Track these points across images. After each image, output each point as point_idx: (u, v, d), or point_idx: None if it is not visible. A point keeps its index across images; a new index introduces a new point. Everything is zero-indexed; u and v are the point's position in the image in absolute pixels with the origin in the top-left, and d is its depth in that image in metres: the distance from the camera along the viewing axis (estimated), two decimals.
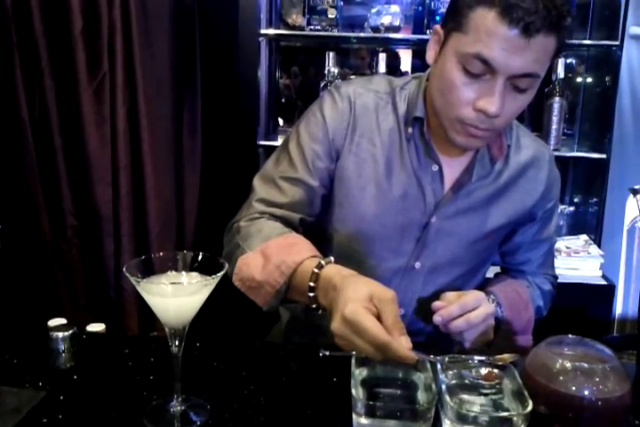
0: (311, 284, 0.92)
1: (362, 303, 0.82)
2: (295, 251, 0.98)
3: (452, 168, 1.13)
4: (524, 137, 1.19)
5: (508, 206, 1.16)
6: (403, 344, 0.81)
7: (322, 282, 0.91)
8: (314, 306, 0.94)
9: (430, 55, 1.04)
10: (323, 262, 0.93)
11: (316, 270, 0.92)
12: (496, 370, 0.85)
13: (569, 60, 2.47)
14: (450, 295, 1.08)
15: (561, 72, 2.22)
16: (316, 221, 1.18)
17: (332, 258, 0.95)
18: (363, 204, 1.12)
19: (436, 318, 1.05)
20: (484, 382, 0.84)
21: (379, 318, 0.82)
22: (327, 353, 1.01)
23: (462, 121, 1.00)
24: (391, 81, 1.17)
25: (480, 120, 0.98)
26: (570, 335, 0.88)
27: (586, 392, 0.78)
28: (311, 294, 0.93)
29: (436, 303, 1.06)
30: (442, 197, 1.13)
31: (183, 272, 0.84)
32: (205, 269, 0.83)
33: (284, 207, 1.11)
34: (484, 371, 0.86)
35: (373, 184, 1.12)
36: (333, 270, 0.92)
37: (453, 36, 0.97)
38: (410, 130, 1.11)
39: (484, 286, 1.23)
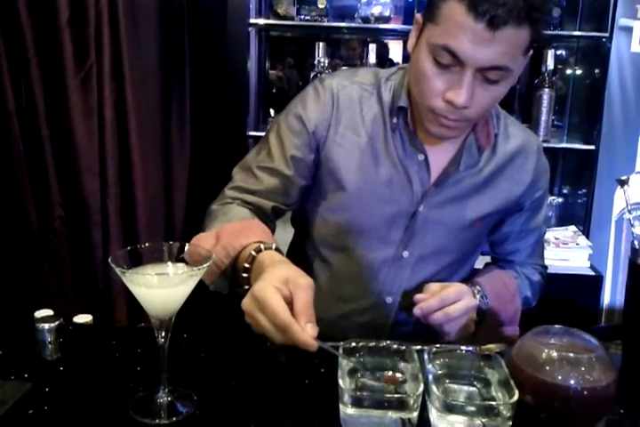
0: (246, 265, 0.95)
1: (274, 283, 0.83)
2: (244, 235, 1.00)
3: (439, 157, 1.13)
4: (512, 126, 1.20)
5: (496, 195, 1.17)
6: (306, 330, 0.81)
7: (255, 265, 0.94)
8: (246, 287, 0.95)
9: (410, 44, 1.05)
10: (262, 247, 0.96)
11: (253, 253, 0.95)
12: (399, 374, 0.84)
13: (559, 52, 2.47)
14: (432, 287, 1.09)
15: (550, 63, 2.22)
16: (304, 211, 1.20)
17: (273, 244, 0.97)
18: (349, 194, 1.13)
19: (416, 311, 1.06)
20: (385, 385, 0.82)
21: (290, 302, 0.83)
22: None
23: (434, 111, 1.01)
24: (377, 72, 1.18)
25: (449, 111, 0.99)
26: (556, 325, 0.88)
27: (572, 382, 0.78)
28: (244, 275, 0.95)
29: (418, 296, 1.08)
30: (429, 187, 1.13)
31: (169, 263, 0.84)
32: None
33: (256, 194, 1.14)
34: (387, 374, 0.85)
35: (360, 174, 1.12)
36: (267, 255, 0.94)
37: (427, 27, 0.98)
38: (394, 120, 1.12)
39: (472, 276, 1.24)
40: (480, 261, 1.34)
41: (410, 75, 1.07)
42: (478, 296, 1.13)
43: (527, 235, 1.27)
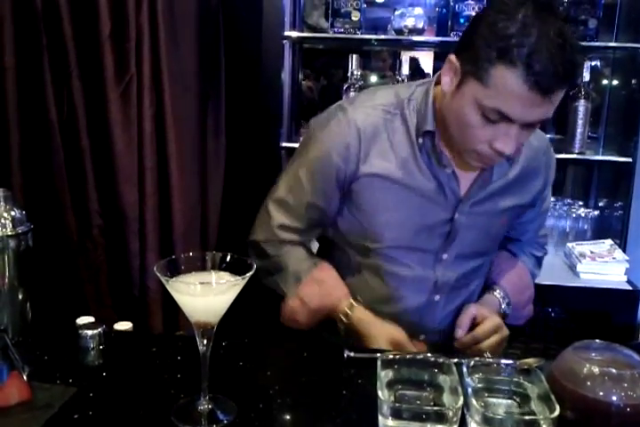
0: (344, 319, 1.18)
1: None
2: (329, 297, 1.19)
3: (464, 167, 1.18)
4: None
5: (522, 194, 1.25)
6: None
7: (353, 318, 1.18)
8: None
9: (446, 82, 1.07)
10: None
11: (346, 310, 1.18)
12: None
13: (594, 63, 2.45)
14: (466, 318, 1.22)
15: (586, 75, 2.20)
16: (341, 234, 1.26)
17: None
18: (389, 214, 1.18)
19: (455, 345, 1.21)
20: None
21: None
22: (352, 354, 1.02)
23: (478, 153, 1.08)
24: (397, 92, 1.20)
25: (496, 156, 1.06)
26: (597, 340, 0.87)
27: (614, 398, 0.77)
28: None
29: (457, 332, 1.22)
30: (461, 196, 1.19)
31: (212, 272, 0.86)
32: (234, 269, 0.85)
33: (301, 233, 1.25)
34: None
35: (393, 195, 1.17)
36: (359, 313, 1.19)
37: (471, 82, 1.01)
38: (420, 140, 1.16)
39: (491, 276, 1.35)
40: None
41: (448, 116, 1.10)
42: (504, 305, 1.29)
43: (536, 218, 1.39)
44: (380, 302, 1.23)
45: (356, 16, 2.32)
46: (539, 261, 1.46)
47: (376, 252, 1.21)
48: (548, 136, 2.50)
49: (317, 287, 1.20)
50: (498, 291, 1.30)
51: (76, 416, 0.84)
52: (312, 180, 1.20)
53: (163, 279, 0.81)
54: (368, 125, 1.16)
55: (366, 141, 1.16)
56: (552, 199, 2.41)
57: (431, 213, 1.19)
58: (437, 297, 1.25)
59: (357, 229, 1.22)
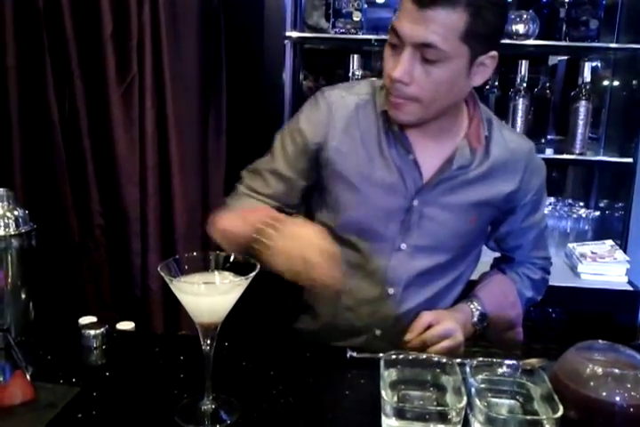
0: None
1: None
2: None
3: (430, 158, 1.20)
4: (506, 131, 1.27)
5: (486, 192, 1.22)
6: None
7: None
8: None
9: None
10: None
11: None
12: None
13: (595, 64, 2.45)
14: (420, 322, 1.17)
15: (587, 75, 2.20)
16: (310, 209, 1.31)
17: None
18: (351, 193, 1.21)
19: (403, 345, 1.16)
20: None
21: None
22: (354, 354, 1.03)
23: (387, 91, 1.11)
24: (374, 82, 1.27)
25: (394, 88, 1.08)
26: (600, 341, 0.88)
27: (617, 398, 0.78)
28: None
29: (407, 336, 1.16)
30: (422, 184, 1.20)
31: (216, 272, 0.86)
32: (237, 269, 0.85)
33: (263, 195, 1.25)
34: None
35: (357, 175, 1.20)
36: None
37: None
38: (384, 124, 1.19)
39: (473, 290, 1.31)
40: (491, 256, 1.44)
41: None
42: (476, 318, 1.24)
43: (527, 232, 1.33)
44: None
45: (357, 16, 2.32)
46: (535, 285, 1.37)
47: (334, 233, 1.22)
48: (549, 137, 2.52)
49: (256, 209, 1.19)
50: (474, 302, 1.25)
51: (79, 416, 0.84)
52: (284, 151, 1.24)
53: (167, 279, 0.81)
54: (340, 107, 1.22)
55: (335, 117, 1.21)
56: (552, 200, 2.44)
57: (390, 199, 1.20)
58: (392, 290, 1.23)
59: (323, 207, 1.26)
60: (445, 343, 1.14)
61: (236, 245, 1.09)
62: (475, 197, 1.22)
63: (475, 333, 1.24)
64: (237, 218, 1.16)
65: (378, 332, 1.26)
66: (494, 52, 1.08)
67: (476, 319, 1.24)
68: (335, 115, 1.21)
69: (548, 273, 1.42)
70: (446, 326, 1.16)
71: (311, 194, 1.29)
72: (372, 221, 1.21)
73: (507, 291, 1.31)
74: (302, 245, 1.02)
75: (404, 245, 1.22)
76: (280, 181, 1.24)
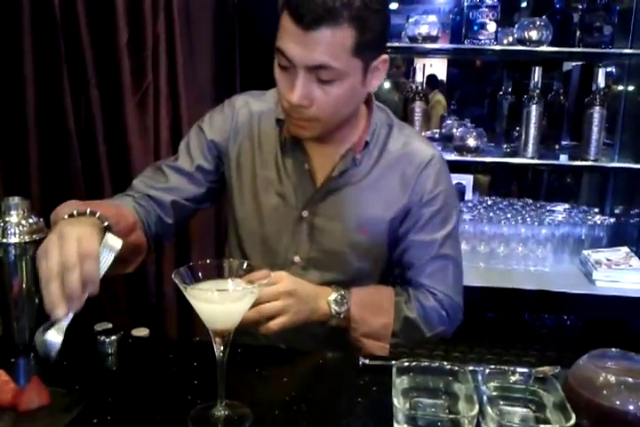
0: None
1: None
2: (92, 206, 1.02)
3: (324, 166, 1.19)
4: (406, 137, 1.21)
5: (377, 202, 1.18)
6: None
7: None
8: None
9: None
10: (75, 213, 0.96)
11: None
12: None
13: (609, 70, 2.44)
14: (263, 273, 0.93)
15: (601, 81, 2.20)
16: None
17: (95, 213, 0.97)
18: (243, 200, 1.23)
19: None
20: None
21: None
22: (367, 362, 1.03)
23: (285, 111, 1.09)
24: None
25: (293, 110, 1.06)
26: (613, 349, 0.87)
27: (630, 407, 0.77)
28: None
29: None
30: (313, 194, 1.19)
31: (229, 279, 0.87)
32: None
33: (158, 189, 1.23)
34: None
35: (253, 185, 1.22)
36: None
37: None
38: (279, 133, 1.20)
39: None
40: None
41: None
42: (334, 304, 1.11)
43: (420, 248, 1.20)
44: None
45: None
46: (425, 310, 1.19)
47: (238, 246, 1.25)
48: (564, 143, 2.51)
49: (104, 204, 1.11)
50: (340, 289, 1.13)
51: (94, 421, 0.85)
52: (187, 149, 1.25)
53: (181, 286, 0.82)
54: (245, 110, 1.24)
55: (239, 122, 1.23)
56: (567, 206, 2.43)
57: (281, 210, 1.20)
58: None
59: (229, 217, 1.28)
60: (277, 303, 1.04)
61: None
62: (365, 207, 1.18)
63: (330, 316, 1.12)
64: (67, 206, 1.03)
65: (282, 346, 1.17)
66: (385, 56, 1.07)
67: (333, 298, 1.12)
68: (237, 121, 1.24)
69: (445, 310, 1.21)
70: (284, 286, 1.05)
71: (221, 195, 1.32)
72: (266, 233, 1.22)
73: (385, 297, 1.19)
74: (63, 244, 0.87)
75: (297, 258, 1.20)
76: (180, 177, 1.24)
